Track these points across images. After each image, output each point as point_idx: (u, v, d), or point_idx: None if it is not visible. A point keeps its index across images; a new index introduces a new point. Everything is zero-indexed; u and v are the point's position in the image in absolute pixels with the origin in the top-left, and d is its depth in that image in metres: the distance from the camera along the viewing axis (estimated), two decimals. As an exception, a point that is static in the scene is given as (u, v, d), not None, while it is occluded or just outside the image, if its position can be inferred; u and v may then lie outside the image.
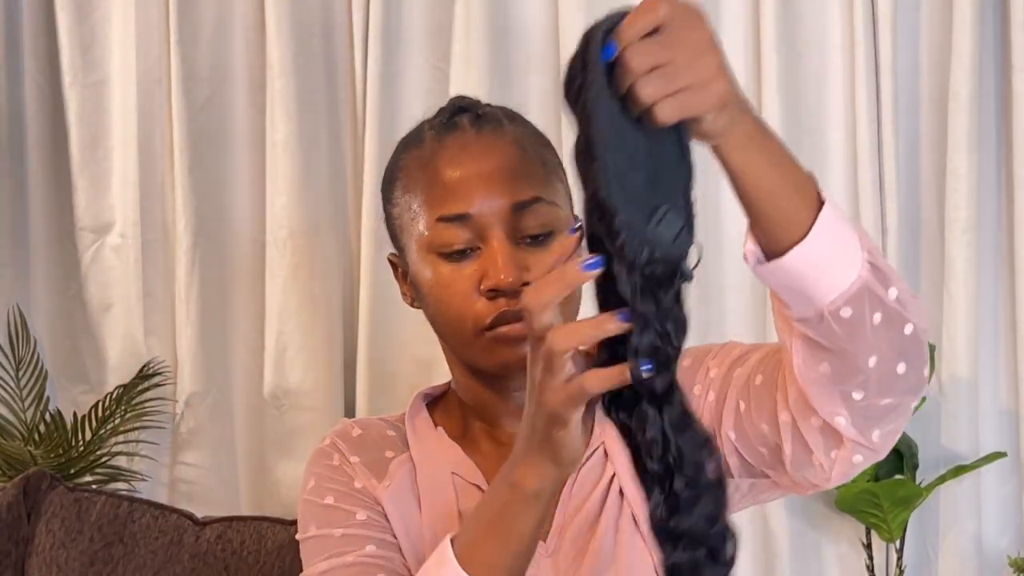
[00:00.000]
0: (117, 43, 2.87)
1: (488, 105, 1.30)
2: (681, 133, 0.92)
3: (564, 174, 1.28)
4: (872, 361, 1.01)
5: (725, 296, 2.50)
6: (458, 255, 1.21)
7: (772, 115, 2.43)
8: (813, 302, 0.99)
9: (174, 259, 2.83)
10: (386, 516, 1.24)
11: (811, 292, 0.98)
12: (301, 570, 1.25)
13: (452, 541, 1.08)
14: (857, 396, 1.04)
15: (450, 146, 1.25)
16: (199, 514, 2.24)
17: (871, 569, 2.41)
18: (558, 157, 1.28)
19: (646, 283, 0.92)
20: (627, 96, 0.89)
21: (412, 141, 1.30)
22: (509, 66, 2.61)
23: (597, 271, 0.93)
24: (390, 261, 1.34)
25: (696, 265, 0.95)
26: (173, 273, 2.83)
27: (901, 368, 1.03)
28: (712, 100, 0.90)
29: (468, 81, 2.58)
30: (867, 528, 2.41)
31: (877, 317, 1.00)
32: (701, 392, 1.21)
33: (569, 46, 2.54)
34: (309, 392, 2.74)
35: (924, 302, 1.07)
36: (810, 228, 0.97)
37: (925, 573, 2.47)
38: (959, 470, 2.36)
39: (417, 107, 2.65)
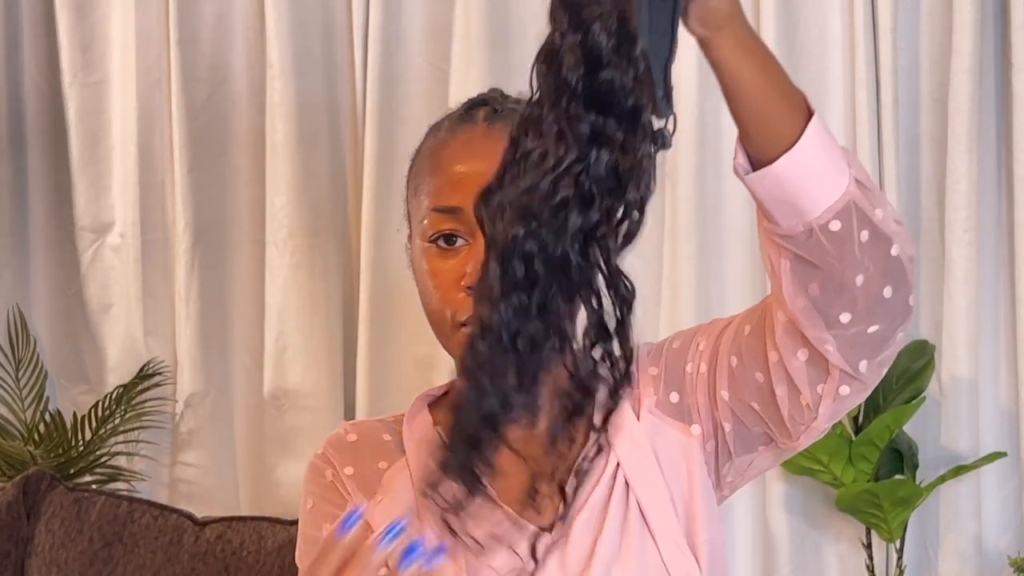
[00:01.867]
0: (117, 43, 2.87)
1: (517, 101, 1.30)
2: (677, 8, 0.92)
3: None
4: (860, 280, 1.03)
5: (724, 282, 2.49)
6: (448, 247, 1.23)
7: (772, 115, 2.43)
8: (802, 214, 1.00)
9: (174, 259, 2.83)
10: None
11: (801, 203, 1.00)
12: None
13: None
14: (845, 319, 1.05)
15: (460, 138, 1.26)
16: (199, 514, 2.24)
17: (871, 569, 2.41)
18: None
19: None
20: None
21: (434, 128, 1.31)
22: (509, 66, 2.61)
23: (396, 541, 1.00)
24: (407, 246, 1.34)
25: (673, 133, 0.93)
26: (173, 273, 2.84)
27: (888, 292, 1.04)
28: None
29: (468, 81, 2.58)
30: (867, 528, 2.41)
31: (864, 235, 1.01)
32: (693, 368, 1.22)
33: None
34: (309, 392, 2.74)
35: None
36: (799, 137, 0.99)
37: (925, 573, 2.47)
38: (959, 470, 2.36)
39: (417, 107, 2.65)
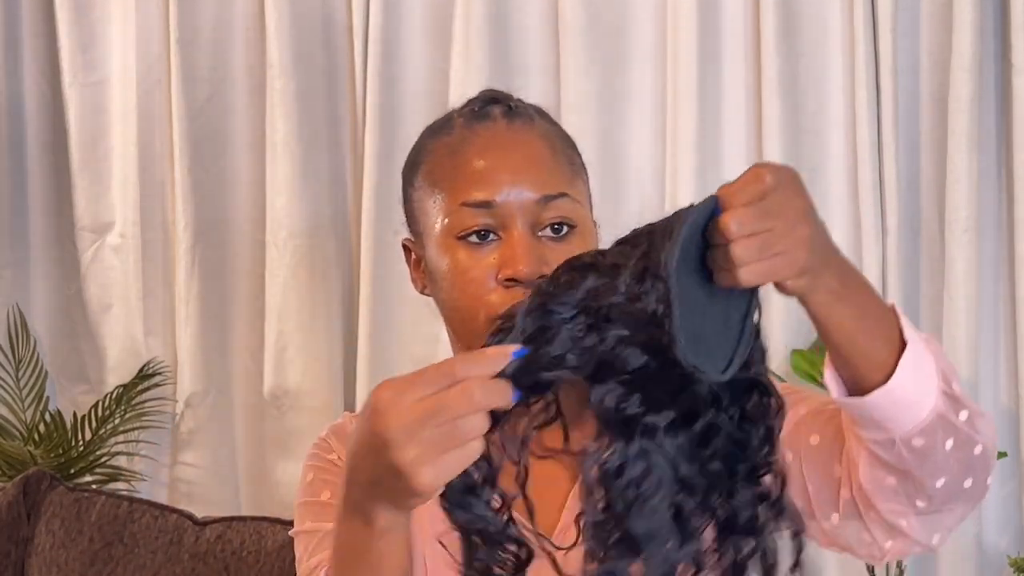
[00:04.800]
0: (117, 43, 2.87)
1: (519, 100, 1.30)
2: (751, 310, 0.94)
3: (587, 175, 1.28)
4: (940, 482, 1.03)
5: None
6: (478, 242, 1.21)
7: (772, 115, 2.43)
8: (888, 432, 1.00)
9: (174, 259, 2.83)
10: None
11: (888, 425, 1.00)
12: (300, 569, 1.26)
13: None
14: (921, 505, 1.05)
15: (480, 134, 1.24)
16: (199, 514, 2.24)
17: (871, 569, 2.41)
18: (581, 159, 1.29)
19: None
20: (711, 252, 0.90)
21: (440, 127, 1.29)
22: (509, 66, 2.61)
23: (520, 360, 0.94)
24: (404, 246, 1.33)
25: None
26: (173, 273, 2.84)
27: (968, 483, 1.05)
28: (792, 269, 0.91)
29: (468, 81, 2.58)
30: (867, 528, 2.41)
31: (949, 443, 1.01)
32: None
33: (569, 46, 2.56)
34: (309, 392, 2.74)
35: (990, 418, 1.08)
36: (892, 369, 0.98)
37: (925, 573, 2.47)
38: (959, 470, 2.36)
39: (417, 107, 2.65)
